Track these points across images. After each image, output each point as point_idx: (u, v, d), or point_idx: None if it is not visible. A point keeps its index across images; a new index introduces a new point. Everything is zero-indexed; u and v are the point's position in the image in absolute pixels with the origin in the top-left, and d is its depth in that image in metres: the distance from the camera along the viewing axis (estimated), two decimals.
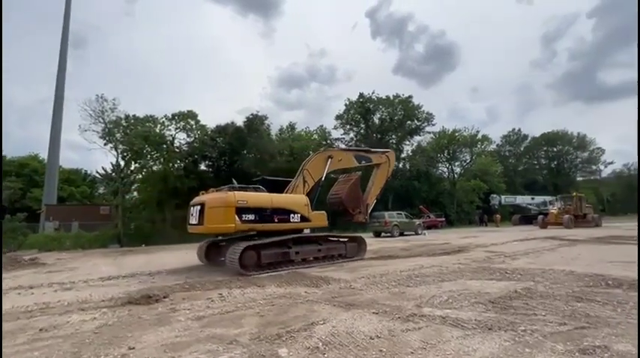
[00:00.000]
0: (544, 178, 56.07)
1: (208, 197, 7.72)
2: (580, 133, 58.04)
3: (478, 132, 38.67)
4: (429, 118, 30.80)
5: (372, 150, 11.27)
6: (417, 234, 21.83)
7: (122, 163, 25.12)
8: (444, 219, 33.88)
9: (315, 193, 9.16)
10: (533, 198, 36.11)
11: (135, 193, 28.95)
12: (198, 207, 7.59)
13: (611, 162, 61.69)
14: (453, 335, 3.23)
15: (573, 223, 23.81)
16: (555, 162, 58.48)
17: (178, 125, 24.70)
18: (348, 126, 32.74)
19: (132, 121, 24.45)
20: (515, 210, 36.87)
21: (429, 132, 34.18)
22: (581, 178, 60.87)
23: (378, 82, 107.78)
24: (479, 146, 39.20)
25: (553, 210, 26.49)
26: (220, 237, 9.18)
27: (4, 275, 8.17)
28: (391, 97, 30.38)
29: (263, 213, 7.62)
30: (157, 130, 24.52)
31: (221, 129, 26.94)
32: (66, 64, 33.01)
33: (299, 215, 8.25)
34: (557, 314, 3.79)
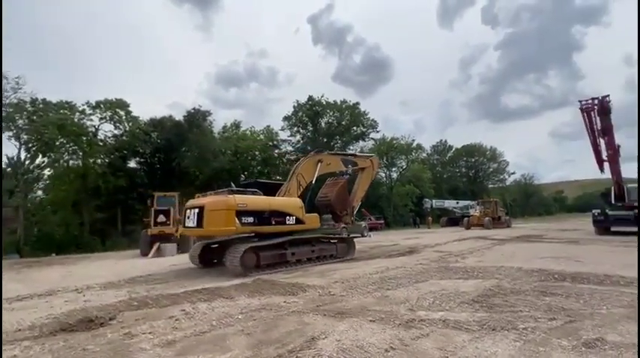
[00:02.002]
0: (464, 185, 63.39)
1: (208, 200, 7.70)
2: (492, 147, 67.39)
3: (414, 141, 41.95)
4: (373, 125, 32.41)
5: (358, 154, 11.78)
6: (362, 236, 22.47)
7: (24, 156, 20.82)
8: (383, 221, 35.81)
9: (306, 196, 9.36)
10: (458, 203, 40.37)
11: (40, 192, 24.30)
12: (197, 210, 7.54)
13: (513, 173, 73.63)
14: (464, 340, 3.15)
15: (492, 224, 27.23)
16: (473, 171, 66.72)
17: (104, 115, 21.48)
18: (295, 128, 32.51)
19: (40, 106, 20.46)
20: (443, 213, 40.85)
21: (373, 139, 35.92)
22: (491, 185, 70.60)
23: (318, 87, 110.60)
24: (414, 154, 42.47)
25: (475, 213, 29.89)
26: (215, 240, 9.18)
27: None
28: (339, 102, 31.12)
29: (261, 216, 7.80)
30: (75, 119, 20.95)
31: (156, 123, 24.33)
32: None
33: (294, 217, 8.50)
34: (539, 310, 4.03)
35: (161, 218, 13.87)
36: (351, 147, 38.29)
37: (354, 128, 31.90)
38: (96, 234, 20.45)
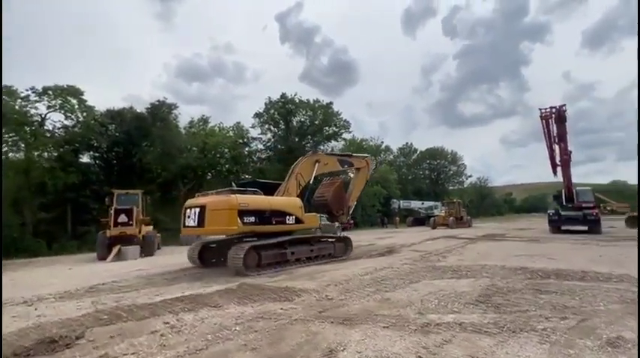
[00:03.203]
0: (427, 186, 66.23)
1: (209, 199, 7.72)
2: (453, 150, 71.15)
3: (382, 142, 42.84)
4: (346, 125, 32.56)
5: (354, 155, 11.84)
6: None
7: None
8: (352, 221, 36.15)
9: (304, 196, 9.39)
10: (423, 203, 41.95)
11: None
12: (197, 209, 7.53)
13: (471, 176, 78.56)
14: (489, 344, 3.01)
15: (456, 224, 28.62)
16: (435, 173, 69.96)
17: (53, 103, 19.19)
18: (266, 126, 31.64)
19: None
20: (408, 213, 42.23)
21: (344, 139, 36.08)
22: (451, 187, 74.62)
23: (286, 87, 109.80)
24: (382, 155, 43.40)
25: (441, 213, 31.22)
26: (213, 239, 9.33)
27: None
28: (311, 101, 30.86)
29: (262, 216, 7.80)
30: (16, 106, 18.48)
31: (115, 115, 22.27)
32: None
33: (294, 217, 8.53)
34: (544, 308, 4.04)
35: (122, 218, 12.58)
36: (322, 148, 38.26)
37: (327, 128, 31.87)
38: (40, 236, 18.14)
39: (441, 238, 16.77)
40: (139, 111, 22.97)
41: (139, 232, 13.10)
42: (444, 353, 2.86)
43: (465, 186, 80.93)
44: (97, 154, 22.62)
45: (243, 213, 7.33)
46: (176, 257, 12.78)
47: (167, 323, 3.99)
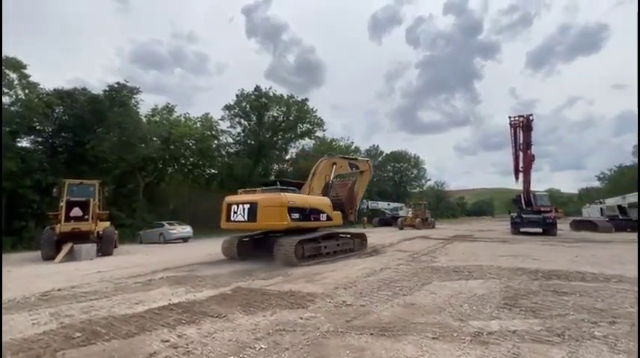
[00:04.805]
0: (391, 188, 68.27)
1: (261, 197, 8.39)
2: (415, 154, 74.15)
3: (352, 143, 43.10)
4: (320, 123, 32.01)
5: (359, 158, 12.61)
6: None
7: None
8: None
9: (327, 195, 10.08)
10: (389, 204, 42.93)
11: None
12: (248, 206, 8.25)
13: (429, 179, 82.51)
14: (554, 353, 2.73)
15: (422, 225, 29.57)
16: (398, 176, 72.37)
17: None
18: (237, 119, 30.03)
19: None
20: (374, 214, 42.97)
21: (318, 137, 35.53)
22: (412, 190, 77.78)
23: (251, 82, 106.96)
24: (352, 155, 43.66)
25: (409, 214, 32.10)
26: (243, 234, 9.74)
27: None
28: (285, 97, 29.83)
29: (304, 213, 8.55)
30: None
31: (64, 95, 19.60)
32: None
33: (326, 214, 9.42)
34: (580, 312, 3.90)
35: (76, 211, 10.88)
36: (292, 145, 37.50)
37: (300, 125, 31.10)
38: None
39: (416, 238, 17.01)
40: (93, 92, 20.44)
41: (96, 228, 11.48)
42: None
43: (425, 188, 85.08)
44: (39, 139, 19.76)
45: (291, 209, 8.07)
46: (139, 256, 11.41)
47: (166, 341, 3.20)
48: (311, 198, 9.26)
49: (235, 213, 8.49)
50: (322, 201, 9.51)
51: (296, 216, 8.20)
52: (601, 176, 75.08)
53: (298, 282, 6.04)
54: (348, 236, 10.57)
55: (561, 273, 6.34)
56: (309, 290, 5.26)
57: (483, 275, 6.35)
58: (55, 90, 19.87)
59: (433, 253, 10.33)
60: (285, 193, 8.42)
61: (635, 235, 17.31)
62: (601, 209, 24.02)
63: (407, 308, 4.23)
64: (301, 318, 3.84)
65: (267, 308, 4.27)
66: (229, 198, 8.97)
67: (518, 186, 20.98)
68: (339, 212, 10.24)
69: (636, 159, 55.78)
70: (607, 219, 22.22)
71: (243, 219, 8.29)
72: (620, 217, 22.22)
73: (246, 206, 8.29)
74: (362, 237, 11.08)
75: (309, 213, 8.69)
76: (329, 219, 9.53)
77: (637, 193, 20.66)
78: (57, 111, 19.69)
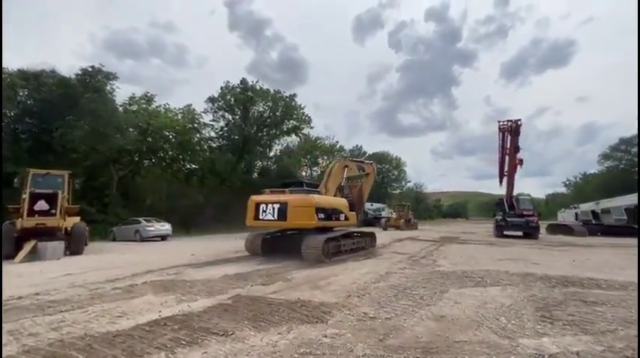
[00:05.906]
0: (373, 189, 68.58)
1: (291, 197, 8.69)
2: (397, 156, 75.12)
3: (337, 142, 42.81)
4: (307, 120, 31.24)
5: (365, 161, 12.85)
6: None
7: None
8: None
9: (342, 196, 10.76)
10: (372, 205, 43.00)
11: None
12: (277, 205, 8.59)
13: (409, 181, 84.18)
14: None
15: (406, 226, 29.71)
16: (380, 177, 72.99)
17: None
18: (221, 112, 28.72)
19: None
20: None
21: (304, 134, 34.79)
22: (393, 191, 78.82)
23: (232, 77, 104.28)
24: (336, 155, 43.40)
25: (393, 215, 32.19)
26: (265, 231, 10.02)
27: None
28: (272, 92, 28.86)
29: (327, 213, 8.99)
30: None
31: (30, 77, 17.80)
32: None
33: (344, 214, 9.91)
34: (625, 326, 3.58)
35: (41, 205, 9.67)
36: (276, 142, 36.58)
37: (287, 121, 30.22)
38: None
39: (405, 240, 16.84)
40: (64, 75, 18.73)
41: (64, 224, 10.30)
42: None
43: (404, 190, 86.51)
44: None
45: (318, 209, 8.52)
46: (115, 256, 10.35)
47: None
48: (332, 199, 9.90)
49: (264, 211, 8.82)
50: (341, 202, 10.10)
51: (321, 215, 8.65)
52: (567, 182, 79.37)
53: (303, 289, 5.45)
54: (360, 235, 10.92)
55: (574, 280, 6.14)
56: (320, 300, 4.69)
57: (496, 281, 6.04)
58: (19, 70, 18.05)
59: (431, 256, 10.04)
60: (312, 194, 8.87)
61: (607, 239, 18.08)
62: (576, 214, 25.00)
63: (438, 322, 3.77)
64: (325, 336, 3.27)
65: (279, 323, 3.67)
66: (257, 198, 9.20)
67: (501, 190, 21.48)
68: (354, 213, 10.63)
69: (601, 168, 59.38)
70: (581, 223, 23.14)
71: (272, 218, 8.64)
72: (593, 222, 23.20)
73: (276, 206, 8.64)
74: (372, 236, 11.53)
75: (330, 213, 9.14)
76: (346, 218, 10.03)
77: (615, 198, 21.62)
78: (21, 93, 17.86)
